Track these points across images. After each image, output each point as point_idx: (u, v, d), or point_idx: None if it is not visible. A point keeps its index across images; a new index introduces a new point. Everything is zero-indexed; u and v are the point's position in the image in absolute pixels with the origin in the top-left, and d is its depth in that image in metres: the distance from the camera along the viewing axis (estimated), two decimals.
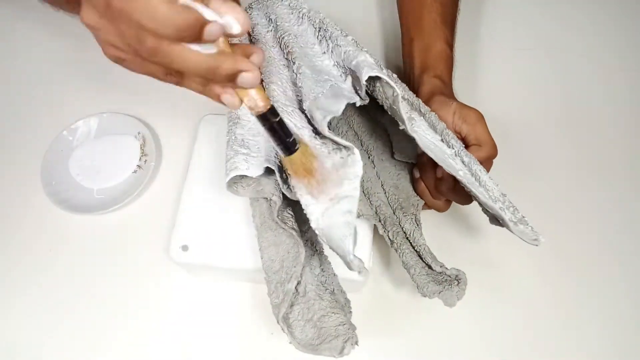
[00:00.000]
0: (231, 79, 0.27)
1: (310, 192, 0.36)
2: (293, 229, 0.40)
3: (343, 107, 0.39)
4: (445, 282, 0.43)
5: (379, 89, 0.40)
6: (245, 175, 0.41)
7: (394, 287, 0.50)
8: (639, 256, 0.52)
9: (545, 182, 0.56)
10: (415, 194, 0.48)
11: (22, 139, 0.59)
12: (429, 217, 0.51)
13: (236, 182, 0.42)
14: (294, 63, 0.44)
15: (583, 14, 0.70)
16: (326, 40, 0.44)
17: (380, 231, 0.47)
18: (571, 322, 0.49)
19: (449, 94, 0.47)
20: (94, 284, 0.50)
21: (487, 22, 0.69)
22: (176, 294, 0.50)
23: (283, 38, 0.46)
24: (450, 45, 0.52)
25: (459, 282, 0.42)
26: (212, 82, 0.29)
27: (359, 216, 0.46)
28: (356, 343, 0.37)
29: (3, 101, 0.62)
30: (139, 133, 0.57)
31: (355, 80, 0.41)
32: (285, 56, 0.45)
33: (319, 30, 0.45)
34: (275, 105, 0.42)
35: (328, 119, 0.38)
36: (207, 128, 0.52)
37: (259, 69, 0.29)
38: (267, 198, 0.43)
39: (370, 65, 0.39)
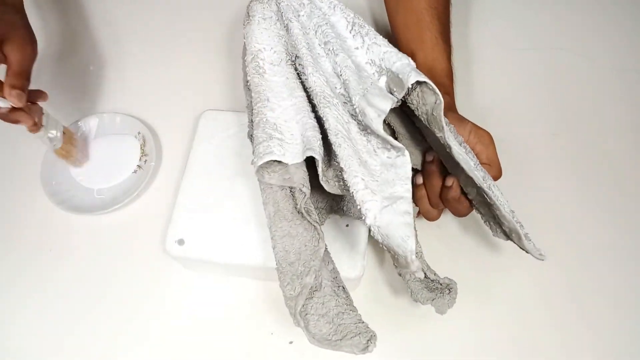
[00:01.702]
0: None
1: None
2: (316, 221, 0.39)
3: (390, 106, 0.38)
4: (437, 290, 0.43)
5: (417, 94, 0.40)
6: (275, 161, 0.40)
7: (387, 288, 0.50)
8: (637, 262, 0.52)
9: (541, 186, 0.56)
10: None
11: (22, 139, 0.59)
12: (425, 227, 0.51)
13: (262, 167, 0.40)
14: (336, 54, 0.43)
15: (579, 14, 0.70)
16: (362, 36, 0.43)
17: None
18: (567, 330, 0.48)
19: (455, 111, 0.48)
20: (94, 284, 0.50)
21: (478, 25, 0.69)
22: (176, 294, 0.50)
23: (320, 26, 0.45)
24: (450, 60, 0.52)
25: (450, 291, 0.42)
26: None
27: (356, 218, 0.46)
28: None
29: None
30: (139, 133, 0.57)
31: (394, 81, 0.40)
32: (322, 45, 0.45)
33: (354, 25, 0.44)
34: (321, 97, 0.41)
35: (382, 117, 0.38)
36: (206, 123, 0.52)
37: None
38: (284, 187, 0.41)
39: (416, 70, 0.39)
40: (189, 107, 0.59)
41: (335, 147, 0.38)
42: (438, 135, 0.40)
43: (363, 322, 0.38)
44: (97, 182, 0.55)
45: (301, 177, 0.40)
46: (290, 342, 0.47)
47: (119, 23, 0.68)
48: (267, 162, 0.40)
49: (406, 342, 0.47)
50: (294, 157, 0.39)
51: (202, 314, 0.49)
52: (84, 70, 0.64)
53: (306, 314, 0.38)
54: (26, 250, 0.52)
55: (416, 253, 0.44)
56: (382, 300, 0.49)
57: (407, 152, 0.36)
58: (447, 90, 0.49)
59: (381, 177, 0.37)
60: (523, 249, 0.41)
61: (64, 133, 0.52)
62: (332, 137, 0.39)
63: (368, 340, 0.37)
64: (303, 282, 0.37)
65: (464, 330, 0.48)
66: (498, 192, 0.41)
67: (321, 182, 0.39)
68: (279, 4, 0.48)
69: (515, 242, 0.41)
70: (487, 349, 0.47)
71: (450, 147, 0.39)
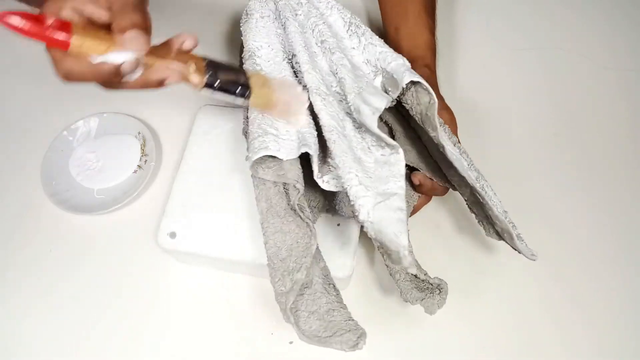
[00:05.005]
0: (161, 84, 0.34)
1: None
2: (309, 218, 0.39)
3: (385, 105, 0.39)
4: (428, 289, 0.43)
5: (412, 94, 0.40)
6: (269, 157, 0.40)
7: (376, 287, 0.50)
8: (633, 263, 0.52)
9: (541, 186, 0.56)
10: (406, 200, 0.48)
11: (22, 139, 0.59)
12: (419, 225, 0.51)
13: (257, 162, 0.40)
14: (332, 53, 0.44)
15: (579, 14, 0.70)
16: (358, 36, 0.44)
17: None
18: (562, 330, 0.48)
19: (434, 83, 0.50)
20: (94, 283, 0.50)
21: (478, 25, 0.69)
22: (177, 294, 0.50)
23: (317, 25, 0.45)
24: (434, 34, 0.54)
25: (440, 291, 0.42)
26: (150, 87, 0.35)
27: (348, 217, 0.46)
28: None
29: (3, 101, 0.62)
30: (139, 133, 0.57)
31: (389, 81, 0.41)
32: (319, 44, 0.45)
33: (350, 25, 0.45)
34: (316, 94, 0.41)
35: (377, 115, 0.38)
36: (203, 117, 0.53)
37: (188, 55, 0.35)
38: (278, 183, 0.41)
39: (410, 70, 0.40)
40: (190, 107, 0.59)
41: (330, 144, 0.39)
42: (432, 135, 0.40)
43: (353, 320, 0.38)
44: (97, 182, 0.55)
45: (296, 174, 0.40)
46: (291, 342, 0.47)
47: None
48: (262, 158, 0.40)
49: (395, 341, 0.47)
50: (288, 153, 0.39)
51: (203, 313, 0.49)
52: None
53: (297, 311, 0.38)
54: (26, 250, 0.52)
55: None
56: (371, 300, 0.49)
57: (401, 150, 0.37)
58: (427, 62, 0.51)
59: (375, 174, 0.37)
60: (515, 249, 0.41)
61: (229, 70, 0.38)
62: (326, 134, 0.39)
63: (358, 338, 0.37)
64: (294, 278, 0.38)
65: (455, 331, 0.48)
66: (491, 192, 0.41)
67: (316, 180, 0.39)
68: (277, 2, 0.48)
69: (507, 242, 0.41)
70: (478, 349, 0.47)
71: (443, 147, 0.39)
